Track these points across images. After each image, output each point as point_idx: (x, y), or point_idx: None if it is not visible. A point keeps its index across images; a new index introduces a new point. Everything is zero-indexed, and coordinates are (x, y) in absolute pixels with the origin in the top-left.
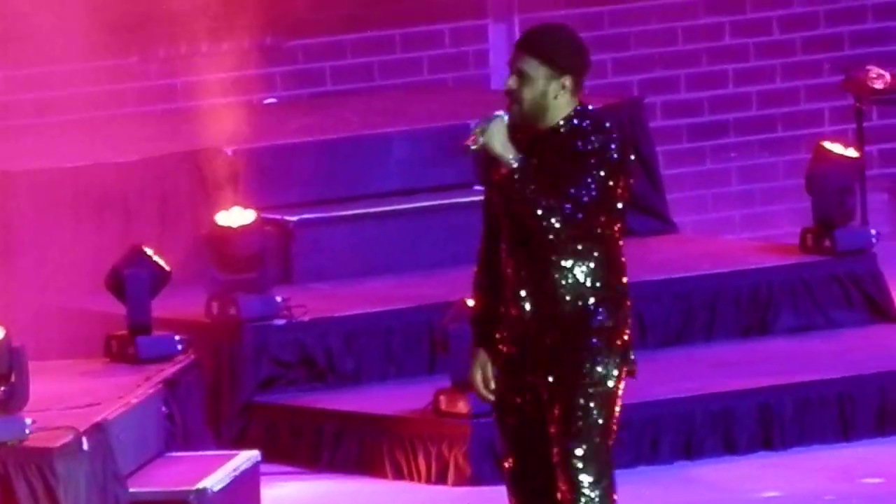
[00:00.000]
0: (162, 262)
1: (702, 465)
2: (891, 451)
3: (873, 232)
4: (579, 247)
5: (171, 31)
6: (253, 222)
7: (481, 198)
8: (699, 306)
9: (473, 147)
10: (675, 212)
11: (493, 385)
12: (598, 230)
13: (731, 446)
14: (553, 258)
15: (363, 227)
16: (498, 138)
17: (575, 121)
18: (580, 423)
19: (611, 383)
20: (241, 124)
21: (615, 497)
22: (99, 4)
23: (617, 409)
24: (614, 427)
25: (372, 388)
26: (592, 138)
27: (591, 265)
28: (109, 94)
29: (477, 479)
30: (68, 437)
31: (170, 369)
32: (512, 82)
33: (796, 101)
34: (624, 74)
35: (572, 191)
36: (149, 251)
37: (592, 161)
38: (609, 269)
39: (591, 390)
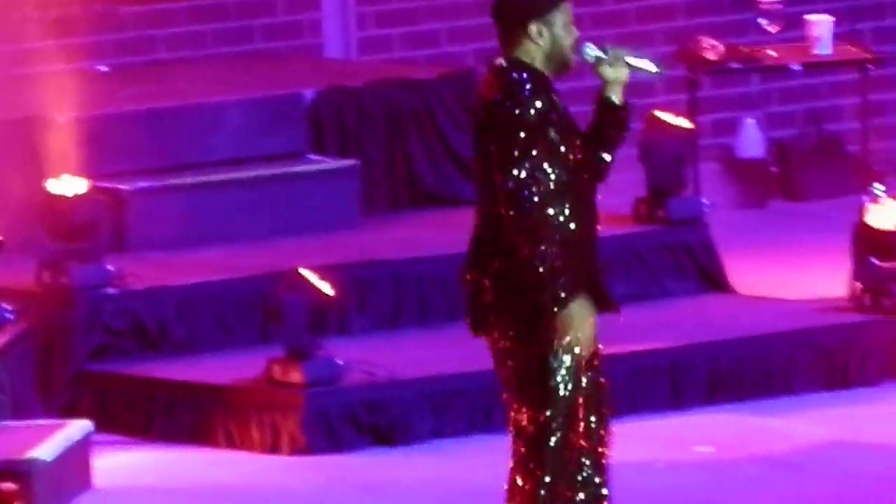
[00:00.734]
0: None
1: None
2: (722, 419)
3: (705, 202)
4: None
5: None
6: (85, 191)
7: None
8: None
9: (598, 55)
10: None
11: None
12: None
13: None
14: None
15: (196, 196)
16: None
17: None
18: None
19: None
20: (73, 92)
21: None
22: None
23: None
24: None
25: (205, 358)
26: None
27: None
28: None
29: (310, 449)
30: None
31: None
32: None
33: None
34: (458, 44)
35: None
36: None
37: None
38: None
39: None
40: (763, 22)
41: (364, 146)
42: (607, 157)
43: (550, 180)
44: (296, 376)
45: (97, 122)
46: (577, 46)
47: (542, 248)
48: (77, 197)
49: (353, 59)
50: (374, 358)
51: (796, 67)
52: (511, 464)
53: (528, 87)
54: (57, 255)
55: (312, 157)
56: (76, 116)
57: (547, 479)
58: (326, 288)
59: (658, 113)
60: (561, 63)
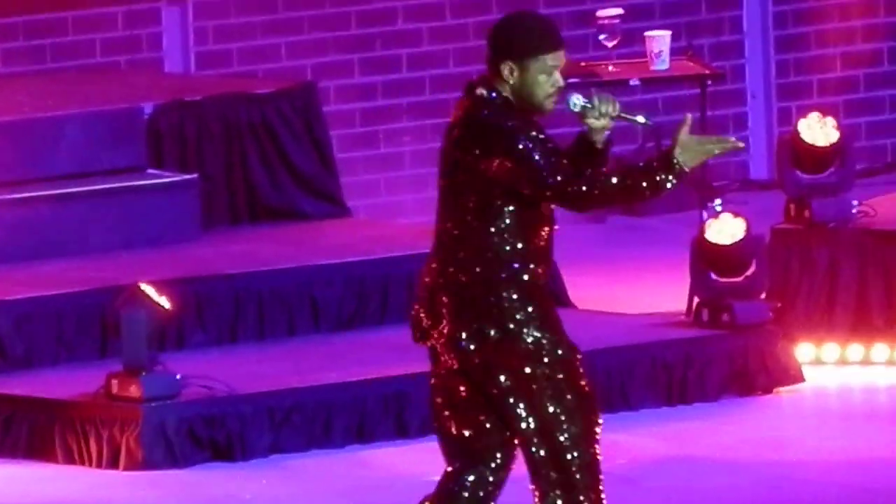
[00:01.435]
0: None
1: (374, 449)
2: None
3: None
4: None
5: None
6: None
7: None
8: (372, 290)
9: (585, 105)
10: (349, 196)
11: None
12: None
13: (404, 430)
14: None
15: (35, 209)
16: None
17: None
18: None
19: None
20: None
21: None
22: None
23: None
24: None
25: (43, 373)
26: None
27: None
28: None
29: (148, 464)
30: None
31: None
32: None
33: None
34: (298, 58)
35: None
36: None
37: None
38: None
39: None
40: (602, 37)
41: (203, 160)
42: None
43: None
44: (134, 391)
45: None
46: (562, 97)
47: (598, 190)
48: None
49: (193, 73)
50: (212, 372)
51: (635, 83)
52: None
53: (503, 109)
54: None
55: (152, 171)
56: None
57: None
58: (165, 302)
59: None
60: (530, 107)
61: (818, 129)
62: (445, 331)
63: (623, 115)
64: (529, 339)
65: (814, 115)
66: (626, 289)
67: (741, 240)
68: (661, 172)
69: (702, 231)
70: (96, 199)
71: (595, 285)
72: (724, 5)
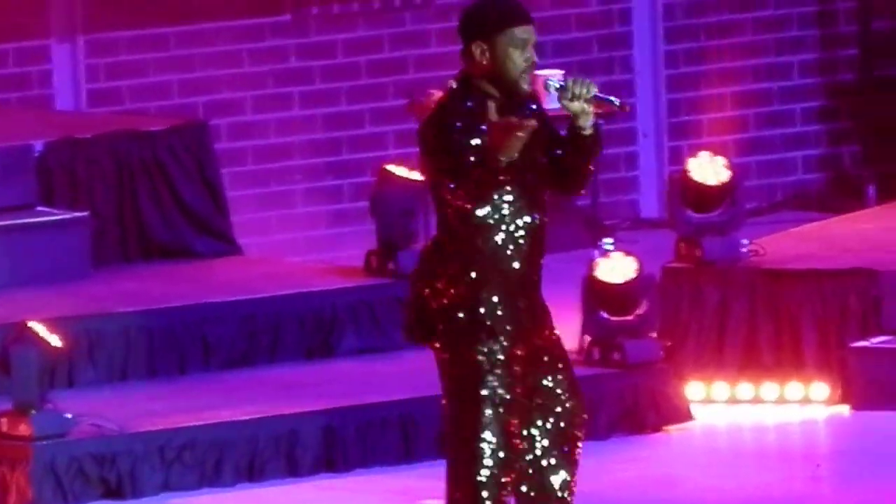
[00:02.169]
0: None
1: (265, 487)
2: None
3: None
4: None
5: None
6: None
7: (45, 219)
8: (264, 328)
9: (558, 87)
10: (240, 234)
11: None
12: None
13: (295, 468)
14: None
15: None
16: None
17: None
18: None
19: None
20: None
21: None
22: None
23: None
24: None
25: None
26: None
27: None
28: None
29: (38, 502)
30: None
31: None
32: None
33: (361, 124)
34: (190, 96)
35: None
36: None
37: None
38: None
39: None
40: None
41: (94, 198)
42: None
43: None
44: (24, 429)
45: None
46: (532, 71)
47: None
48: None
49: (84, 110)
50: (103, 411)
51: None
52: None
53: (456, 95)
54: None
55: (42, 208)
56: None
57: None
58: (55, 340)
59: (389, 166)
60: (507, 86)
61: (709, 168)
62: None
63: (598, 96)
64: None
65: (704, 154)
66: None
67: (632, 279)
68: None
69: (593, 270)
70: None
71: None
72: (616, 45)
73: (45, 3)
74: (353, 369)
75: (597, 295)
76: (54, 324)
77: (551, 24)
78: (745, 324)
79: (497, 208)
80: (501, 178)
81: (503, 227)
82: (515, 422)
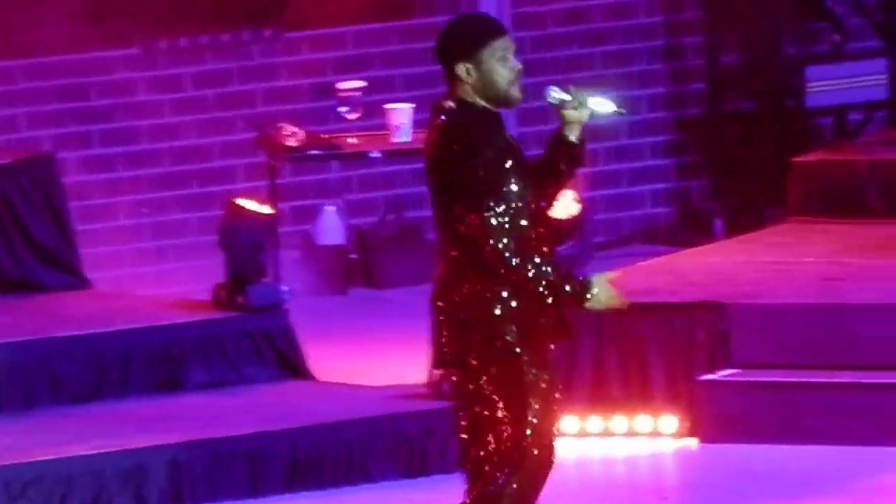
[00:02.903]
0: None
1: None
2: None
3: (285, 288)
4: None
5: None
6: None
7: None
8: (112, 362)
9: (563, 98)
10: (89, 268)
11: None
12: None
13: (142, 503)
14: None
15: None
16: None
17: None
18: None
19: None
20: None
21: None
22: None
23: None
24: None
25: None
26: None
27: None
28: None
29: None
30: None
31: None
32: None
33: (210, 157)
34: (37, 129)
35: None
36: None
37: None
38: None
39: None
40: (343, 110)
41: None
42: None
43: (521, 209)
44: None
45: None
46: (517, 80)
47: (537, 261)
48: None
49: None
50: None
51: (376, 155)
52: None
53: (475, 130)
54: None
55: None
56: None
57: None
58: None
59: (238, 200)
60: (500, 99)
61: (558, 202)
62: None
63: (596, 105)
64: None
65: None
66: (367, 361)
67: None
68: (574, 294)
69: None
70: None
71: (336, 357)
72: None
73: None
74: (201, 403)
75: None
76: None
77: (401, 58)
78: (594, 357)
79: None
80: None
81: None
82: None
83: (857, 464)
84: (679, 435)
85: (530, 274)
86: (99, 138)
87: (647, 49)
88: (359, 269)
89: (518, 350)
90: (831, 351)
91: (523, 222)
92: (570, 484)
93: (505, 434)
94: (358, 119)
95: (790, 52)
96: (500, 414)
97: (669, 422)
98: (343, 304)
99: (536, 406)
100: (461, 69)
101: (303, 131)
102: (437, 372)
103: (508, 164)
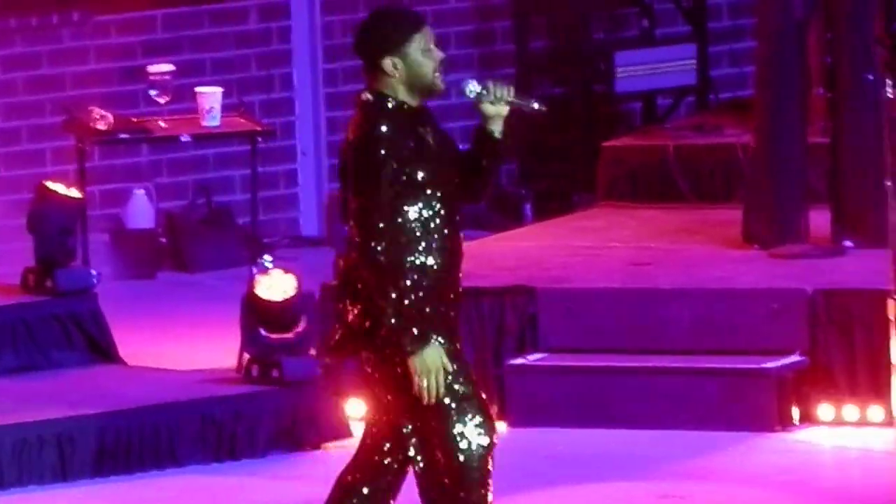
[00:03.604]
0: None
1: None
2: (110, 491)
3: (94, 272)
4: None
5: None
6: None
7: None
8: None
9: (479, 91)
10: None
11: None
12: None
13: None
14: None
15: None
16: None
17: None
18: None
19: None
20: None
21: None
22: None
23: None
24: None
25: None
26: None
27: None
28: None
29: None
30: None
31: None
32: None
33: (18, 140)
34: None
35: None
36: None
37: None
38: None
39: None
40: (153, 93)
41: None
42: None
43: (410, 221)
44: None
45: None
46: (440, 69)
47: (394, 296)
48: None
49: None
50: None
51: (186, 139)
52: None
53: (381, 127)
54: None
55: None
56: None
57: None
58: None
59: (48, 183)
60: (425, 89)
61: None
62: None
63: (516, 100)
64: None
65: None
66: (176, 345)
67: (291, 296)
68: (408, 340)
69: (252, 287)
70: None
71: (145, 341)
72: (275, 63)
73: None
74: (10, 387)
75: (256, 312)
76: None
77: (211, 42)
78: None
79: (425, 222)
80: (428, 192)
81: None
82: None
83: (665, 448)
84: None
85: (392, 294)
86: None
87: (457, 34)
88: (168, 253)
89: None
90: (639, 335)
91: (391, 253)
92: None
93: None
94: (168, 103)
95: (599, 37)
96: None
97: None
98: (153, 287)
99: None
100: (387, 63)
101: (112, 115)
102: (246, 356)
103: (406, 171)
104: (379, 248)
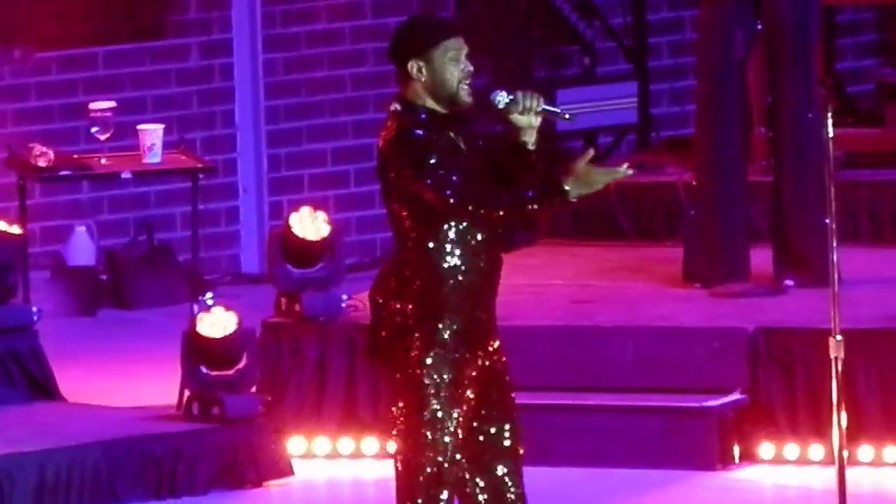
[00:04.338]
0: None
1: None
2: None
3: (35, 309)
4: None
5: None
6: None
7: None
8: None
9: (509, 101)
10: None
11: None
12: None
13: None
14: None
15: None
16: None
17: None
18: None
19: None
20: None
21: None
22: None
23: None
24: None
25: None
26: None
27: None
28: None
29: None
30: None
31: None
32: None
33: None
34: None
35: None
36: None
37: None
38: None
39: None
40: (94, 130)
41: None
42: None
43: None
44: None
45: None
46: (467, 81)
47: (506, 199)
48: None
49: None
50: None
51: (127, 175)
52: None
53: (415, 130)
54: None
55: None
56: None
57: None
58: None
59: None
60: (449, 98)
61: (309, 224)
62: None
63: (547, 109)
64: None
65: (305, 210)
66: (117, 382)
67: (232, 333)
68: (551, 197)
69: (193, 324)
70: None
71: (86, 378)
72: (217, 100)
73: None
74: None
75: (197, 349)
76: None
77: (152, 79)
78: (345, 378)
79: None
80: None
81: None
82: None
83: (606, 486)
84: None
85: (493, 205)
86: None
87: None
88: (109, 290)
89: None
90: (581, 373)
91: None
92: None
93: None
94: (109, 139)
95: (541, 75)
96: None
97: None
98: (93, 324)
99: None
100: (413, 68)
101: (53, 152)
102: (187, 393)
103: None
104: (467, 193)
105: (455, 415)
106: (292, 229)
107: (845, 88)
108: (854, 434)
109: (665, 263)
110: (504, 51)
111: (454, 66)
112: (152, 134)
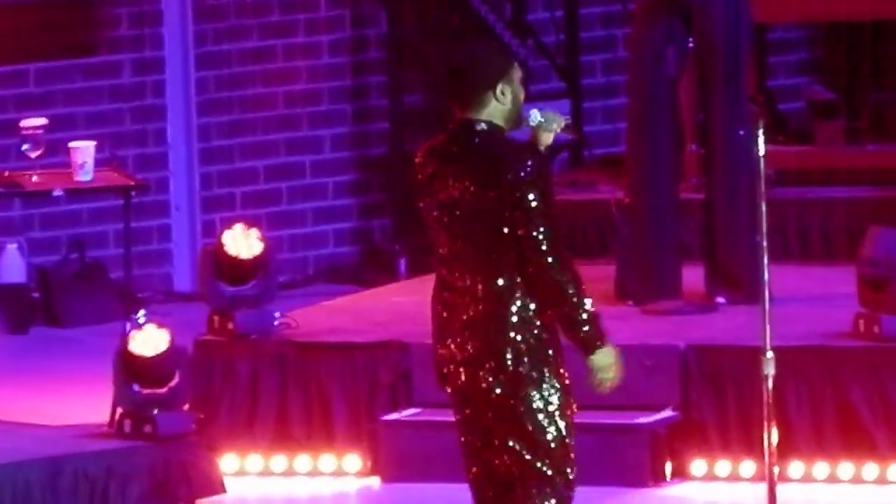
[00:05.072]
0: None
1: None
2: None
3: None
4: None
5: None
6: None
7: None
8: None
9: (541, 120)
10: None
11: None
12: None
13: None
14: None
15: None
16: None
17: None
18: None
19: None
20: None
21: None
22: None
23: None
24: None
25: None
26: None
27: None
28: None
29: None
30: None
31: None
32: None
33: None
34: None
35: None
36: None
37: None
38: None
39: None
40: (25, 147)
41: None
42: None
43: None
44: None
45: None
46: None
47: (583, 290)
48: None
49: None
50: None
51: (59, 193)
52: None
53: (518, 145)
54: None
55: None
56: None
57: None
58: None
59: None
60: (517, 119)
61: (242, 241)
62: None
63: (566, 125)
64: None
65: (238, 227)
66: (49, 400)
67: (164, 351)
68: (593, 337)
69: (125, 342)
70: None
71: (18, 396)
72: (149, 117)
73: None
74: None
75: (129, 367)
76: None
77: (84, 96)
78: (278, 396)
79: None
80: None
81: None
82: None
83: None
84: (362, 474)
85: (574, 297)
86: None
87: (331, 89)
88: (41, 308)
89: None
90: None
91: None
92: None
93: None
94: (40, 157)
95: None
96: None
97: (353, 461)
98: (25, 343)
99: None
100: (499, 90)
101: None
102: (119, 411)
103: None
104: (561, 262)
105: None
106: (225, 247)
107: (776, 106)
108: (784, 451)
109: (597, 281)
110: (436, 67)
111: (520, 87)
112: (84, 151)
